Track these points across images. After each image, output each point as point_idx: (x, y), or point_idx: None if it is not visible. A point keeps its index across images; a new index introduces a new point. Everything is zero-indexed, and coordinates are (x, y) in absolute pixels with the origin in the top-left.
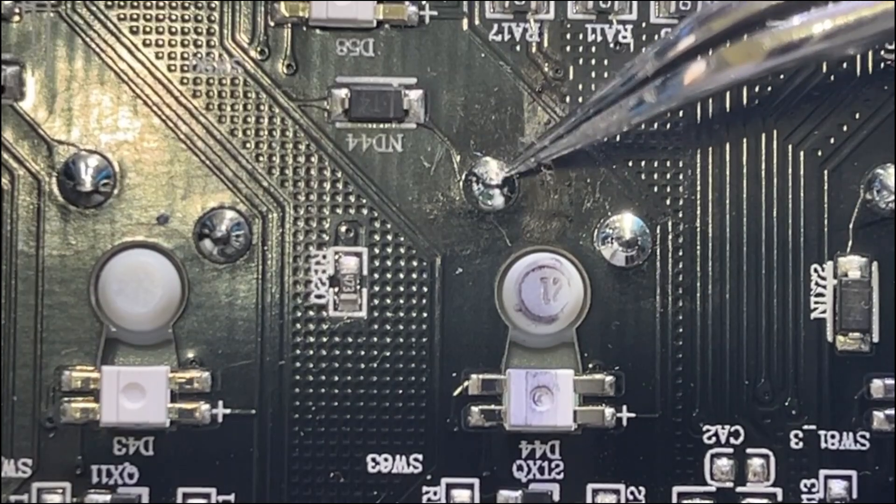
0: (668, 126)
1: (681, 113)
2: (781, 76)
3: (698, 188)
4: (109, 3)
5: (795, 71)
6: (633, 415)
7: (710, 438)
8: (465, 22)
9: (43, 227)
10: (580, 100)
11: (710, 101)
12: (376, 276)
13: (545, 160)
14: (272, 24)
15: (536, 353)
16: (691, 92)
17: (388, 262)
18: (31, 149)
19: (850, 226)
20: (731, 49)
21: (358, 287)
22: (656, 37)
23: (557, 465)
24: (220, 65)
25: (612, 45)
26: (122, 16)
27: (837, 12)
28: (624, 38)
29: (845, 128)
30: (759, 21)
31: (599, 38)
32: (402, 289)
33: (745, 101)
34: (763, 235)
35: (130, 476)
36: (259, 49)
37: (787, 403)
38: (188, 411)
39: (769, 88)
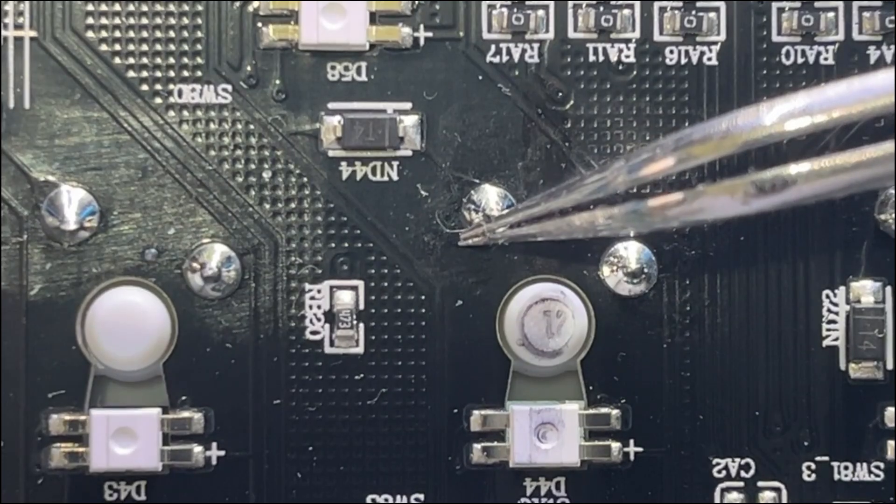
0: None
1: None
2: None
3: None
4: (89, 29)
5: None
6: (640, 449)
7: (719, 472)
8: (461, 43)
9: (27, 266)
10: (582, 123)
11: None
12: (373, 310)
13: (500, 242)
14: (260, 48)
15: (540, 383)
16: (661, 223)
17: (386, 296)
18: (12, 184)
19: (864, 249)
20: (710, 187)
21: (355, 322)
22: (660, 57)
23: (563, 503)
24: (206, 92)
25: (614, 65)
26: (102, 40)
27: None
28: (627, 57)
29: None
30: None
31: (601, 58)
32: (400, 323)
33: None
34: (773, 261)
35: None
36: (247, 75)
37: (798, 434)
38: (181, 454)
39: None
